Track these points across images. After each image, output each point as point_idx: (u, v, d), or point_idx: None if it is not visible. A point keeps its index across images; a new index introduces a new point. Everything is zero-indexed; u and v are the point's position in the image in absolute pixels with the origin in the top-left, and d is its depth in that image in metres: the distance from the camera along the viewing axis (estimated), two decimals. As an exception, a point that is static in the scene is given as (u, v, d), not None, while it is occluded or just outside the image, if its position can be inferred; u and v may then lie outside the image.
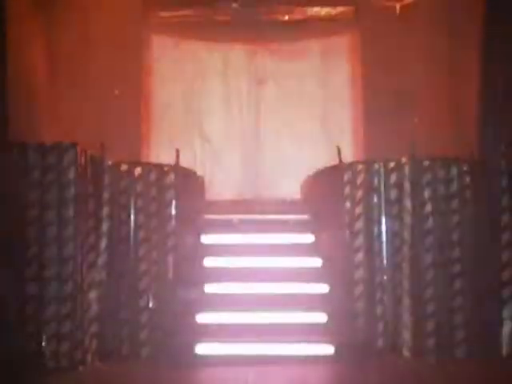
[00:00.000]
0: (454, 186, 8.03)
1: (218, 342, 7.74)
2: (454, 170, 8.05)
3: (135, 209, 8.12)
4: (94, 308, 7.72)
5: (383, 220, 8.15)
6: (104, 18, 10.59)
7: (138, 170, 8.22)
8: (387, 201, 8.16)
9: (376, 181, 8.22)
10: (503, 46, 8.07)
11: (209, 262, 8.54)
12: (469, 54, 9.03)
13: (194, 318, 7.92)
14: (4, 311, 7.29)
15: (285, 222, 9.20)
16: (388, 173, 8.18)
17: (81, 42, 10.52)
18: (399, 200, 8.11)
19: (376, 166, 8.24)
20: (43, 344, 7.34)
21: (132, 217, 8.10)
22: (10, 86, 7.67)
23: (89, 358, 7.54)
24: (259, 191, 11.39)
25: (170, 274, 8.23)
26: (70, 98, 10.29)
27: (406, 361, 7.80)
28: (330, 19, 11.50)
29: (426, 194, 8.00)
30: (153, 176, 8.27)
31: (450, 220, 7.97)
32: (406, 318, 7.91)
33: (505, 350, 7.77)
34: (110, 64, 10.54)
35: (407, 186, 8.06)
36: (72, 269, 7.42)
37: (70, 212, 7.46)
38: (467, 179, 8.05)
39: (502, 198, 7.95)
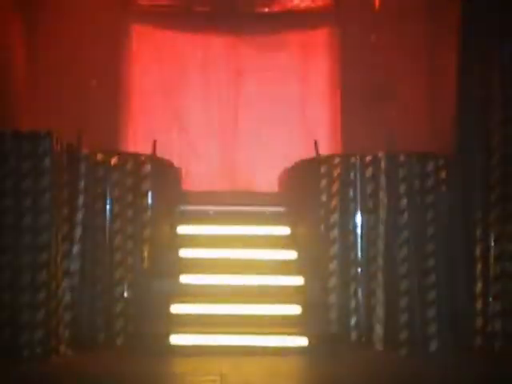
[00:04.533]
0: (430, 181, 8.09)
1: (193, 332, 7.75)
2: (430, 165, 8.10)
3: (111, 198, 8.10)
4: (69, 297, 7.70)
5: (358, 213, 8.20)
6: (83, 7, 10.52)
7: (114, 160, 8.20)
8: (363, 194, 8.21)
9: (352, 174, 8.26)
10: (481, 39, 8.12)
11: (184, 252, 8.55)
12: (447, 47, 9.07)
13: (168, 308, 7.92)
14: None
15: (261, 214, 9.23)
16: (364, 166, 8.23)
17: (59, 30, 10.44)
18: (375, 194, 8.17)
19: (352, 159, 8.29)
20: (17, 332, 7.32)
21: (107, 206, 8.08)
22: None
23: (63, 346, 7.53)
24: (236, 183, 11.41)
25: (146, 265, 8.24)
26: (48, 86, 10.22)
27: (378, 354, 7.86)
28: (309, 12, 11.52)
29: (402, 188, 8.05)
30: (129, 166, 8.26)
31: (424, 215, 8.03)
32: (380, 311, 7.98)
33: (477, 343, 7.86)
34: (88, 53, 10.47)
35: (383, 180, 8.11)
36: (47, 257, 7.38)
37: (46, 200, 7.43)
38: (443, 174, 8.12)
39: (476, 193, 8.02)
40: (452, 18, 8.59)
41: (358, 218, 8.19)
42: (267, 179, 10.99)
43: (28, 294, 7.32)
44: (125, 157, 8.37)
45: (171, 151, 10.55)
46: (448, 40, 8.92)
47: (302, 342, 7.72)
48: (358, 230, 8.17)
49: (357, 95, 10.68)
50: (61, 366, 7.18)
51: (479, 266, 7.93)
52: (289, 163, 9.87)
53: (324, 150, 9.10)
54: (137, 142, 10.99)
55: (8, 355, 7.23)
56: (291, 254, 8.55)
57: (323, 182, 8.37)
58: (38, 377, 6.78)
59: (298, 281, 8.25)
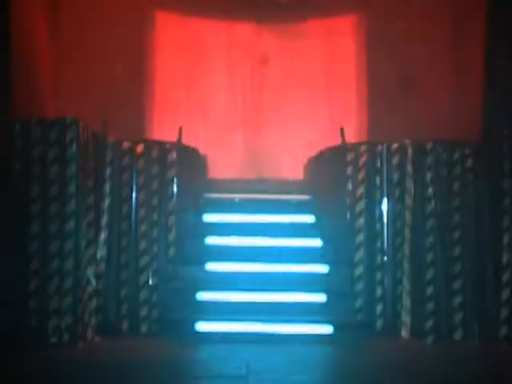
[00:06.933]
0: (457, 169, 8.03)
1: (218, 319, 7.78)
2: (457, 153, 8.04)
3: (137, 186, 8.12)
4: (95, 284, 7.76)
5: (385, 201, 8.16)
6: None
7: (140, 147, 8.22)
8: (389, 182, 8.16)
9: (378, 162, 8.22)
10: (508, 25, 8.04)
11: (210, 240, 8.57)
12: (474, 34, 9.00)
13: (194, 295, 7.95)
14: (7, 287, 7.32)
15: (286, 202, 9.22)
16: (391, 154, 8.18)
17: (83, 18, 10.47)
18: (401, 182, 8.12)
19: (379, 147, 8.24)
20: (45, 319, 7.38)
21: (133, 194, 8.11)
22: (13, 62, 7.64)
23: (89, 333, 7.59)
24: (261, 171, 11.39)
25: (171, 252, 8.26)
26: (74, 74, 10.27)
27: (404, 342, 7.84)
28: (335, -1, 11.46)
29: (428, 176, 7.99)
30: (155, 153, 8.26)
31: (451, 203, 7.98)
32: (406, 299, 7.95)
33: (502, 333, 7.81)
34: (112, 40, 10.50)
35: (409, 168, 8.07)
36: (73, 245, 7.43)
37: (72, 188, 7.46)
38: (469, 162, 8.05)
39: (503, 182, 7.95)
40: (479, 3, 8.51)
41: (385, 206, 8.15)
42: (293, 167, 10.97)
43: (55, 281, 7.38)
44: (150, 144, 8.38)
45: (196, 139, 10.58)
46: (475, 26, 8.84)
47: (328, 330, 7.71)
48: (385, 219, 8.14)
49: (383, 82, 10.61)
50: (88, 353, 7.24)
51: (506, 255, 7.87)
52: (315, 151, 9.84)
53: (350, 138, 9.06)
54: (162, 129, 11.00)
55: (36, 342, 7.30)
56: (317, 242, 8.53)
57: (349, 170, 8.33)
58: (65, 363, 6.84)
59: (323, 269, 8.24)
